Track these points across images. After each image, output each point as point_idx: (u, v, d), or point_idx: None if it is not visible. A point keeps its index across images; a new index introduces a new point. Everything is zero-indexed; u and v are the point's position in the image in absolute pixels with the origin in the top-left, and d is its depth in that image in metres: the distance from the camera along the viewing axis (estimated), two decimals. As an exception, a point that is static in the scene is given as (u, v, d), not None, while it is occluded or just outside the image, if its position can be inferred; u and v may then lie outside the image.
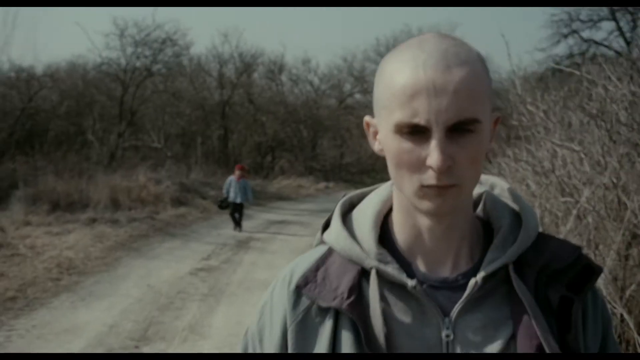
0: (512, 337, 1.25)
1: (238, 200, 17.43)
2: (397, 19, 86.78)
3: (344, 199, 1.51)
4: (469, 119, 1.19)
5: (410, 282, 1.29)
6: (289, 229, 18.50)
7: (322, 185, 33.17)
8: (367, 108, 48.17)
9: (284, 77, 42.20)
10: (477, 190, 1.43)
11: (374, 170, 40.57)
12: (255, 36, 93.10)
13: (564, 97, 8.77)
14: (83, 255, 12.71)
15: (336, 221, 1.44)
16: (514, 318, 1.25)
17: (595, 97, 7.68)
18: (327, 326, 1.32)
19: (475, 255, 1.33)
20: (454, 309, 1.28)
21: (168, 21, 49.02)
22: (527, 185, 8.31)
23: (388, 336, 1.27)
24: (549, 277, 1.28)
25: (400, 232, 1.36)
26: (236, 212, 17.48)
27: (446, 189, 1.21)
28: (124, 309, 9.22)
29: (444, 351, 1.27)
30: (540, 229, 1.38)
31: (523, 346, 1.22)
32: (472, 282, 1.27)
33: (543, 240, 1.34)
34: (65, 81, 32.34)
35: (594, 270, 1.31)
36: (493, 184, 1.47)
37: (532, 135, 8.77)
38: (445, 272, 1.31)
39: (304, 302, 1.36)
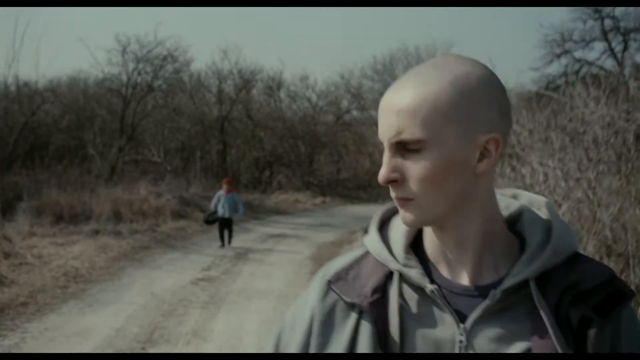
0: (527, 352, 1.26)
1: (227, 215, 17.20)
2: (394, 37, 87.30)
3: (388, 206, 1.52)
4: (410, 139, 1.25)
5: (430, 286, 1.33)
6: (286, 242, 18.91)
7: (319, 200, 33.45)
8: (364, 125, 48.08)
9: (282, 94, 42.54)
10: (517, 208, 1.43)
11: (370, 185, 40.95)
12: (254, 53, 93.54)
13: (547, 118, 9.28)
14: (88, 264, 13.18)
15: (372, 226, 1.48)
16: (532, 334, 1.26)
17: (573, 119, 8.19)
18: (350, 322, 1.38)
19: (502, 268, 1.33)
20: (470, 316, 1.30)
21: (169, 38, 49.65)
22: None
23: (403, 336, 1.33)
24: (575, 297, 1.26)
25: (427, 241, 1.40)
26: (225, 228, 17.29)
27: (403, 202, 1.30)
28: (130, 315, 9.68)
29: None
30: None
31: None
32: (491, 293, 1.29)
33: (577, 260, 1.32)
34: (66, 95, 32.78)
35: (625, 295, 1.28)
36: (540, 203, 1.43)
37: (515, 153, 9.26)
38: (466, 281, 1.33)
39: (333, 296, 1.43)
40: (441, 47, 44.36)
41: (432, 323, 1.33)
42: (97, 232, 16.81)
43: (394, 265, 1.37)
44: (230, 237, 17.35)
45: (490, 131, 1.26)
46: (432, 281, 1.34)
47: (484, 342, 1.28)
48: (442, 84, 1.25)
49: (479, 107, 1.25)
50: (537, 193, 7.76)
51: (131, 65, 31.57)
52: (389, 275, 1.39)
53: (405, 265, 1.36)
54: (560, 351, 1.21)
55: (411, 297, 1.36)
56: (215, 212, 17.35)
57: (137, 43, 31.90)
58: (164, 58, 32.16)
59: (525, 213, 1.39)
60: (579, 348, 1.23)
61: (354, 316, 1.38)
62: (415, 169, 1.26)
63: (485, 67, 1.30)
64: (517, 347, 1.26)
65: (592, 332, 1.23)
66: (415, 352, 1.32)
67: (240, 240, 18.43)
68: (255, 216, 25.48)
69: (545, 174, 8.10)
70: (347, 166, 41.67)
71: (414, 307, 1.35)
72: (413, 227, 1.38)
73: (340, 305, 1.41)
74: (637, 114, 7.79)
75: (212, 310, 10.16)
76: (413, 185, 1.27)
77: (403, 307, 1.36)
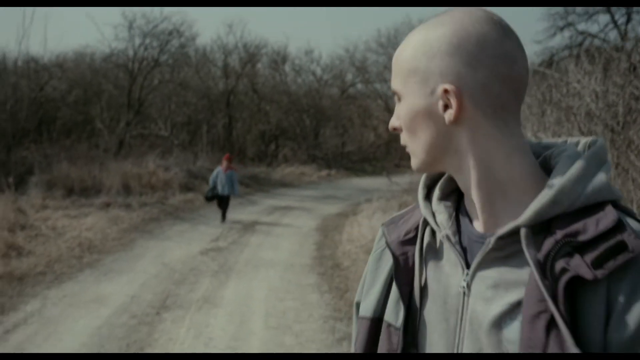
0: (520, 303, 1.20)
1: (226, 193, 17.17)
2: (398, 10, 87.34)
3: None
4: (393, 90, 1.37)
5: (443, 232, 1.36)
6: (292, 214, 19.34)
7: (324, 172, 33.72)
8: (369, 98, 48.17)
9: (287, 67, 42.84)
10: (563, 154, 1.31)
11: (374, 158, 41.38)
12: (259, 27, 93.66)
13: (543, 93, 9.62)
14: (101, 236, 13.63)
15: (422, 178, 1.51)
16: (526, 284, 1.20)
17: (567, 93, 8.53)
18: (391, 261, 1.45)
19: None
20: (473, 263, 1.29)
21: (175, 13, 49.90)
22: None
23: (425, 278, 1.39)
24: (575, 248, 1.16)
25: None
26: (223, 205, 17.25)
27: (406, 148, 1.39)
28: (143, 283, 10.12)
29: (460, 301, 1.31)
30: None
31: (525, 314, 1.18)
32: (487, 240, 1.27)
33: (594, 209, 1.20)
34: (73, 71, 33.01)
35: (627, 249, 1.13)
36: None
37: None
38: (482, 228, 1.32)
39: (384, 239, 1.51)
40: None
41: (447, 267, 1.36)
42: (107, 205, 17.22)
43: (423, 211, 1.43)
44: (225, 213, 17.22)
45: (449, 82, 1.26)
46: (458, 228, 1.37)
47: (481, 288, 1.28)
48: (414, 41, 1.32)
49: (438, 58, 1.27)
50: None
51: (137, 40, 31.84)
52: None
53: (435, 211, 1.41)
54: (538, 306, 1.16)
55: (438, 242, 1.41)
56: (215, 188, 17.25)
57: (143, 18, 32.27)
58: (170, 33, 32.36)
59: (562, 159, 1.28)
60: (565, 308, 1.13)
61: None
62: (400, 118, 1.37)
63: (472, 17, 1.29)
64: (512, 297, 1.23)
65: (559, 283, 1.14)
66: (431, 295, 1.37)
67: (247, 212, 18.86)
68: (261, 189, 25.92)
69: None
70: (352, 139, 42.03)
71: (436, 251, 1.40)
72: (418, 173, 1.42)
73: (388, 247, 1.47)
74: (628, 88, 8.11)
75: (221, 279, 10.58)
76: (403, 133, 1.37)
77: (428, 250, 1.42)
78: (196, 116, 35.50)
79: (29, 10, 38.11)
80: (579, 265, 1.13)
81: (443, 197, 1.43)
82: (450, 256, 1.36)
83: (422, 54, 1.28)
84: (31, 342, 7.35)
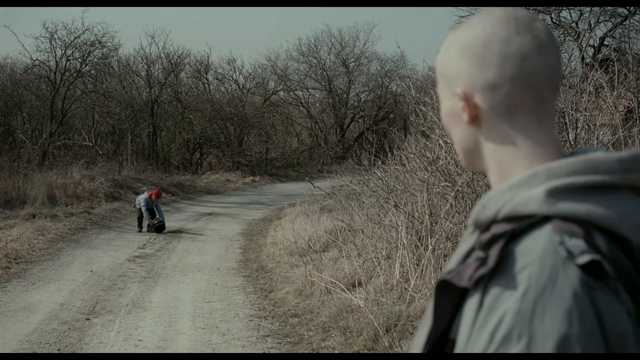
0: None
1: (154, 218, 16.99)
2: (318, 19, 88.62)
3: None
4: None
5: None
6: (218, 220, 19.66)
7: (248, 179, 34.05)
8: (291, 105, 48.92)
9: (210, 76, 43.15)
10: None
11: (298, 164, 41.96)
12: (181, 37, 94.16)
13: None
14: (28, 246, 13.71)
15: None
16: None
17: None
18: None
19: None
20: None
21: (96, 24, 49.66)
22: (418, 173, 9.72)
23: None
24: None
25: None
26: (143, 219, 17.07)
27: None
28: (72, 290, 10.35)
29: None
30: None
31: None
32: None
33: (518, 221, 1.18)
34: (-7, 82, 32.81)
35: (485, 263, 1.16)
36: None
37: (418, 131, 10.16)
38: None
39: None
40: (363, 29, 45.39)
41: None
42: (33, 216, 17.22)
43: None
44: (141, 223, 17.21)
45: (462, 83, 1.30)
46: None
47: None
48: (444, 43, 1.38)
49: (454, 61, 1.32)
50: (440, 166, 8.69)
51: (59, 52, 31.71)
52: None
53: None
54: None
55: None
56: (157, 217, 17.05)
57: (64, 30, 32.05)
58: (92, 44, 32.27)
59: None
60: (443, 309, 1.22)
61: None
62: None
63: (487, 18, 1.32)
64: None
65: (467, 298, 1.18)
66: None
67: (173, 219, 19.08)
68: (187, 196, 26.11)
69: (447, 149, 9.03)
70: (275, 146, 42.48)
71: None
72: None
73: None
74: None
75: (149, 284, 10.88)
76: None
77: None
78: (120, 126, 35.47)
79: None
80: (464, 272, 1.17)
81: None
82: None
83: (444, 57, 1.35)
84: (-36, 349, 7.57)
